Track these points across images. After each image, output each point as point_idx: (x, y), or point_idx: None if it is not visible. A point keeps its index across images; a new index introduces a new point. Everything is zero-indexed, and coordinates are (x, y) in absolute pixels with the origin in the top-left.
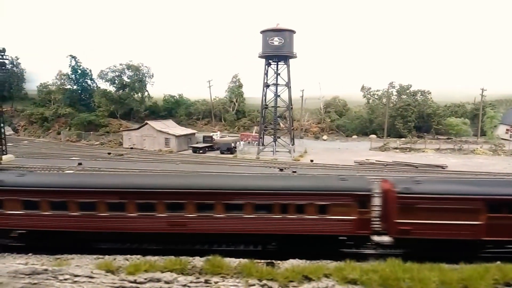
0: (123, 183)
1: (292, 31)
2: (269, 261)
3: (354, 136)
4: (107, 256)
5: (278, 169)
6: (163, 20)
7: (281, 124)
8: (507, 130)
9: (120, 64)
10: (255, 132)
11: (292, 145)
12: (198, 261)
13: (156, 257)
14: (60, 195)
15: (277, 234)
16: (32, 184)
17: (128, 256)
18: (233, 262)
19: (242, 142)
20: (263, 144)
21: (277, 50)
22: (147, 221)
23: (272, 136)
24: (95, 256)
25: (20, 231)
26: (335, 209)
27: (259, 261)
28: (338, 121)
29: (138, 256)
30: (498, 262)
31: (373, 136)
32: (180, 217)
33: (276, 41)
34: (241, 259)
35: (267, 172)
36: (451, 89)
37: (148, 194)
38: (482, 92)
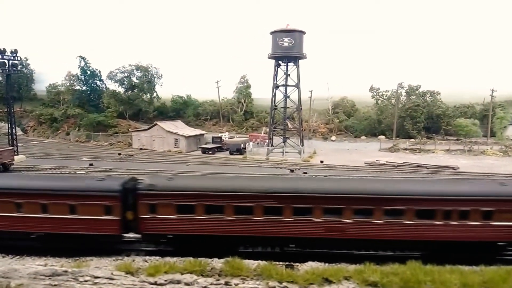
0: (282, 187)
1: (302, 32)
2: (288, 263)
3: (363, 137)
4: (126, 258)
5: (289, 170)
6: (172, 20)
7: (289, 125)
8: None
9: (129, 65)
10: (264, 133)
11: (302, 146)
12: (217, 263)
13: (175, 259)
14: (217, 199)
15: (438, 241)
16: (187, 188)
17: (147, 257)
18: (252, 264)
19: (251, 143)
20: (272, 145)
21: (287, 51)
22: (303, 226)
23: (281, 137)
24: (113, 258)
25: (170, 236)
26: (498, 215)
27: (277, 263)
28: (346, 121)
29: (157, 258)
30: None
31: (382, 137)
32: (337, 222)
33: (286, 42)
34: (259, 261)
35: (277, 173)
36: (459, 89)
37: (306, 198)
38: (492, 92)
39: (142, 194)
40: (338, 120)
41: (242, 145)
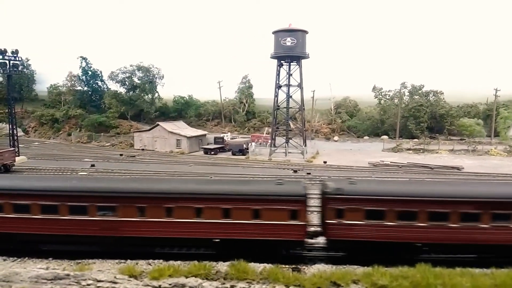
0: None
1: (305, 31)
2: (294, 266)
3: (366, 137)
4: (129, 261)
5: (292, 171)
6: (174, 20)
7: (292, 125)
8: None
9: (131, 65)
10: (266, 133)
11: (305, 146)
12: (222, 266)
13: (179, 262)
14: (407, 204)
15: None
16: (378, 193)
17: (151, 260)
18: (258, 267)
19: (253, 143)
20: (275, 146)
21: (290, 51)
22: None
23: (284, 137)
24: (116, 261)
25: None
26: None
27: (283, 266)
28: (349, 121)
29: (161, 261)
30: None
31: (385, 137)
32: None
33: (288, 41)
34: (265, 264)
35: (280, 174)
36: (462, 89)
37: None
38: (496, 92)
39: (331, 198)
40: (340, 120)
41: (244, 146)
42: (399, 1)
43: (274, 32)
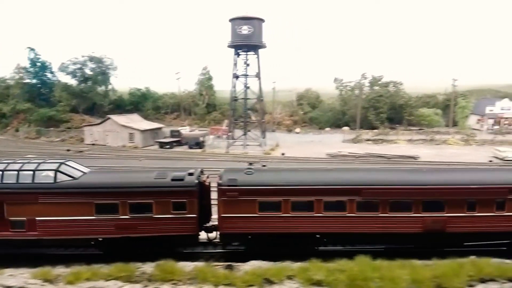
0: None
1: (261, 20)
2: (228, 263)
3: (327, 129)
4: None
5: (248, 163)
6: (129, 10)
7: (253, 117)
8: (478, 120)
9: (82, 56)
10: (226, 126)
11: (263, 138)
12: (149, 267)
13: (101, 264)
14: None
15: None
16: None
17: (70, 263)
18: (188, 266)
19: (212, 136)
20: (233, 138)
21: (246, 39)
22: None
23: (243, 130)
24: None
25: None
26: None
27: (218, 264)
28: (311, 113)
29: (81, 263)
30: (473, 257)
31: (346, 128)
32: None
33: (245, 29)
34: (197, 263)
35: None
36: (423, 80)
37: None
38: (454, 82)
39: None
40: (302, 112)
41: (201, 139)
42: None
43: (231, 20)
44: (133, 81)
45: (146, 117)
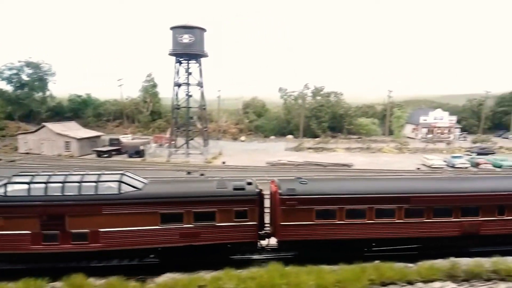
0: None
1: (203, 29)
2: (141, 276)
3: (272, 137)
4: None
5: (186, 172)
6: (68, 15)
7: (199, 125)
8: (413, 129)
9: (19, 61)
10: (169, 134)
11: (205, 146)
12: (58, 283)
13: (8, 282)
14: None
15: None
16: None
17: None
18: (99, 280)
19: (153, 145)
20: (175, 147)
21: (187, 48)
22: None
23: (185, 138)
24: None
25: None
26: None
27: (131, 277)
28: (256, 121)
29: None
30: (377, 261)
31: (290, 136)
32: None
33: (186, 38)
34: (110, 277)
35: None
36: (363, 91)
37: None
38: (389, 93)
39: None
40: (248, 120)
41: (141, 147)
42: (304, 5)
43: (172, 28)
44: (74, 87)
45: (87, 125)
